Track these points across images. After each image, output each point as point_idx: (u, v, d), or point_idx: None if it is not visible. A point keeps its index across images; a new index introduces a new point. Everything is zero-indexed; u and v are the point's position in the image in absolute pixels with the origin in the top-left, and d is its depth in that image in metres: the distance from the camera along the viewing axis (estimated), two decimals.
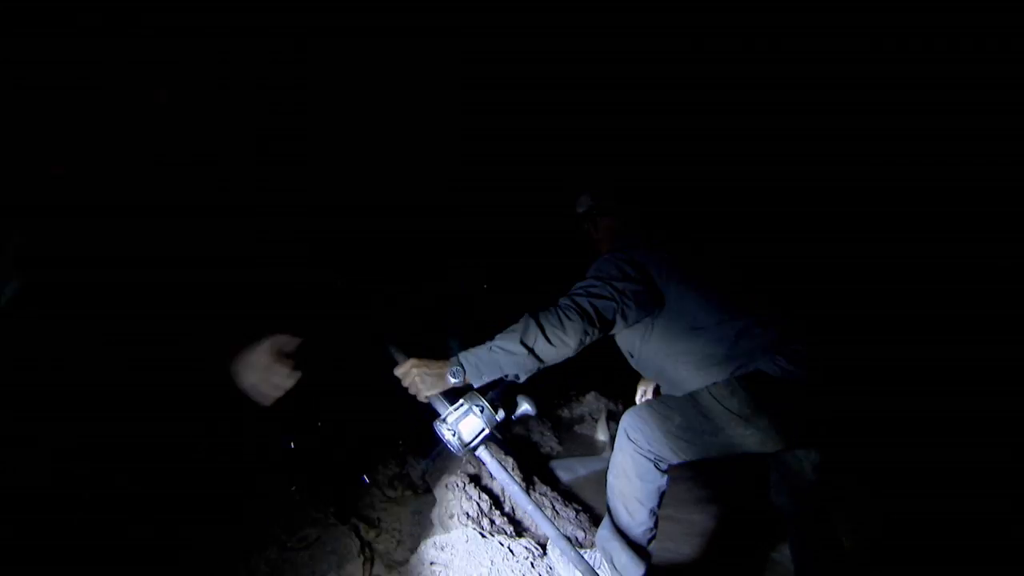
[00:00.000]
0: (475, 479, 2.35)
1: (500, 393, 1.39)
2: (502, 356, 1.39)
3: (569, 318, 1.44)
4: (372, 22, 2.96)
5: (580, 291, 1.54)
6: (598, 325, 1.47)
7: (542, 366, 1.43)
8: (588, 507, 2.54)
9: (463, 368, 1.40)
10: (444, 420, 1.37)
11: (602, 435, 3.66)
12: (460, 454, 1.40)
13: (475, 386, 1.41)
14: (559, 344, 1.41)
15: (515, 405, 1.38)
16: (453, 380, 1.39)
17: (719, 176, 4.13)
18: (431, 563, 1.94)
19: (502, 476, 1.40)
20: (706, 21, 3.48)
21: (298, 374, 1.20)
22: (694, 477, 2.82)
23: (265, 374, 1.17)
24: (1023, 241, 3.43)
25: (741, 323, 1.57)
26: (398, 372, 1.43)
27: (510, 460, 2.58)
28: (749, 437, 1.52)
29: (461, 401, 1.39)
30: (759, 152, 4.12)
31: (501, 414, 1.37)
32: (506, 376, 1.44)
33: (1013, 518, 2.25)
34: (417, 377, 1.38)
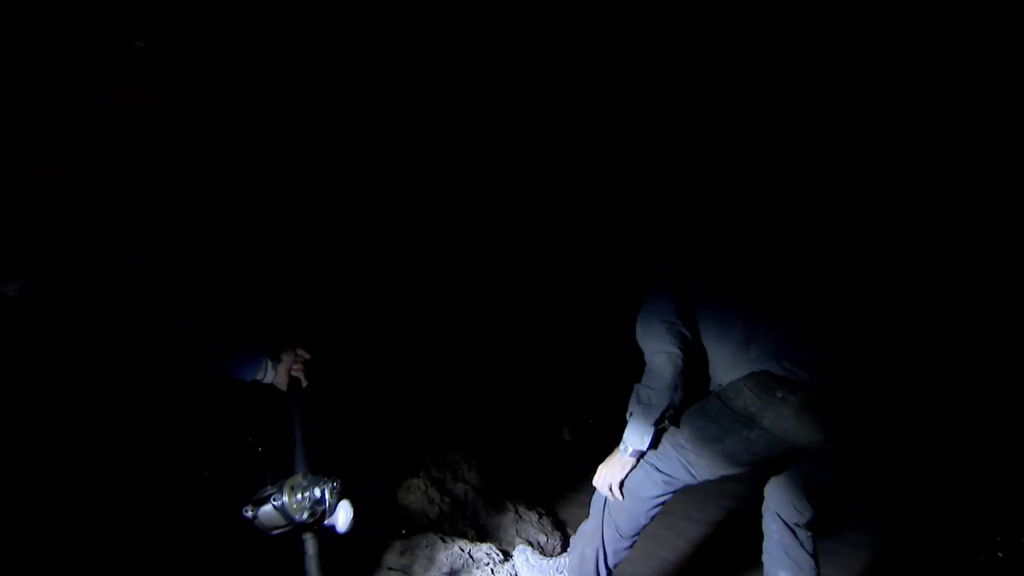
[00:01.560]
0: (437, 482, 2.28)
1: (338, 486, 1.20)
2: (636, 420, 1.64)
3: (654, 363, 1.62)
4: (374, 21, 2.88)
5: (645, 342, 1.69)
6: (677, 348, 1.61)
7: (665, 406, 1.59)
8: (552, 510, 2.52)
9: (628, 445, 1.64)
10: (256, 499, 1.16)
11: (566, 435, 3.65)
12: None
13: (643, 449, 1.63)
14: (658, 385, 1.60)
15: (334, 509, 1.19)
16: (629, 455, 1.64)
17: (727, 176, 4.12)
18: (389, 567, 1.88)
19: None
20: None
21: None
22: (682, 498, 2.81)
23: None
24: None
25: (748, 331, 1.63)
26: (600, 488, 1.70)
27: (474, 462, 2.53)
28: (755, 441, 1.54)
29: (282, 484, 1.17)
30: (762, 152, 4.13)
31: (303, 516, 1.14)
32: (656, 427, 1.62)
33: (1013, 518, 2.33)
34: (610, 475, 1.66)
